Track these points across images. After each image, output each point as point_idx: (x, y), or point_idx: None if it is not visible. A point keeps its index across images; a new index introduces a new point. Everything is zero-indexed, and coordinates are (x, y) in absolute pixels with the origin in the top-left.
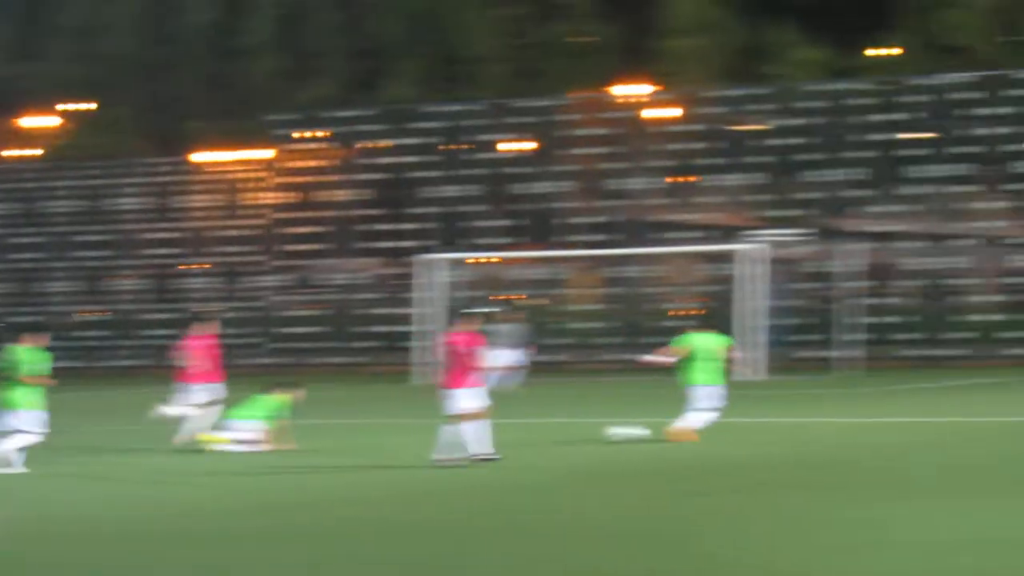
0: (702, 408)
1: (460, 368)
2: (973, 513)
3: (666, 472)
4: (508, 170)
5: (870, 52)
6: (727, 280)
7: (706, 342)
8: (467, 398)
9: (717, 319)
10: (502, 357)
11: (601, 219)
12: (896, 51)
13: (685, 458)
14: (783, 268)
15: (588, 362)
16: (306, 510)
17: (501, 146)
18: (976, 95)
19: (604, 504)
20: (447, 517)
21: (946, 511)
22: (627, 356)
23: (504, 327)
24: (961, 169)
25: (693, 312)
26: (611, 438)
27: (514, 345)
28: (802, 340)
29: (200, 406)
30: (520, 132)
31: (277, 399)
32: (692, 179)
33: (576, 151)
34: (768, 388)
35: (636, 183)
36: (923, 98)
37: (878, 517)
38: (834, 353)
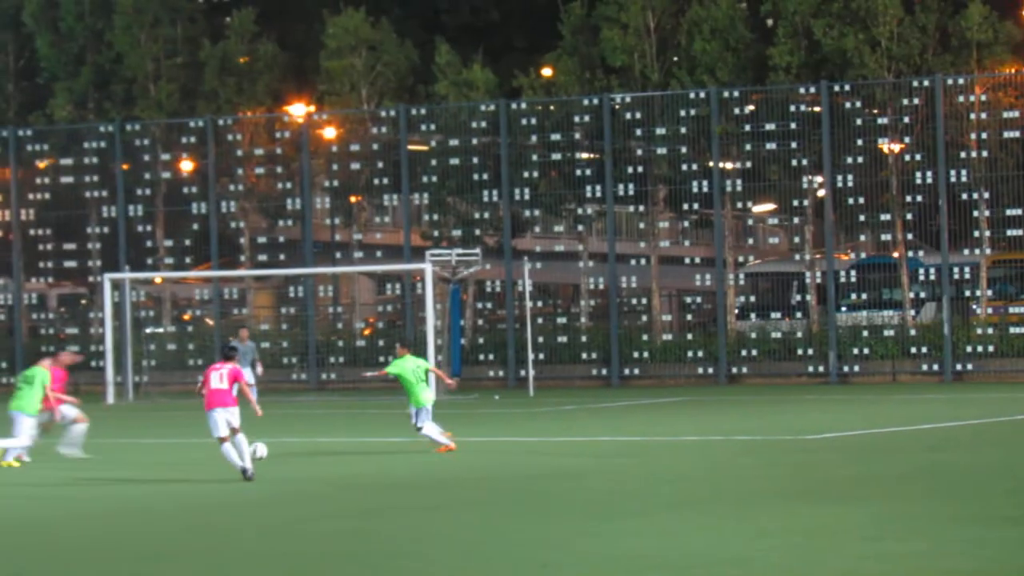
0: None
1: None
2: (644, 532)
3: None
4: (179, 189)
5: (534, 72)
6: (399, 300)
7: (413, 363)
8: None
9: (396, 338)
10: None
11: (274, 238)
12: (559, 71)
13: (367, 475)
14: (457, 287)
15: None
16: None
17: (171, 165)
18: (639, 114)
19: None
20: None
21: (615, 530)
22: (305, 375)
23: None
24: (632, 189)
25: (369, 332)
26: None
27: (245, 364)
28: (478, 360)
29: None
30: (188, 151)
31: None
32: (360, 198)
33: (245, 170)
34: (442, 407)
35: (307, 202)
36: (588, 118)
37: (555, 536)
38: (512, 373)
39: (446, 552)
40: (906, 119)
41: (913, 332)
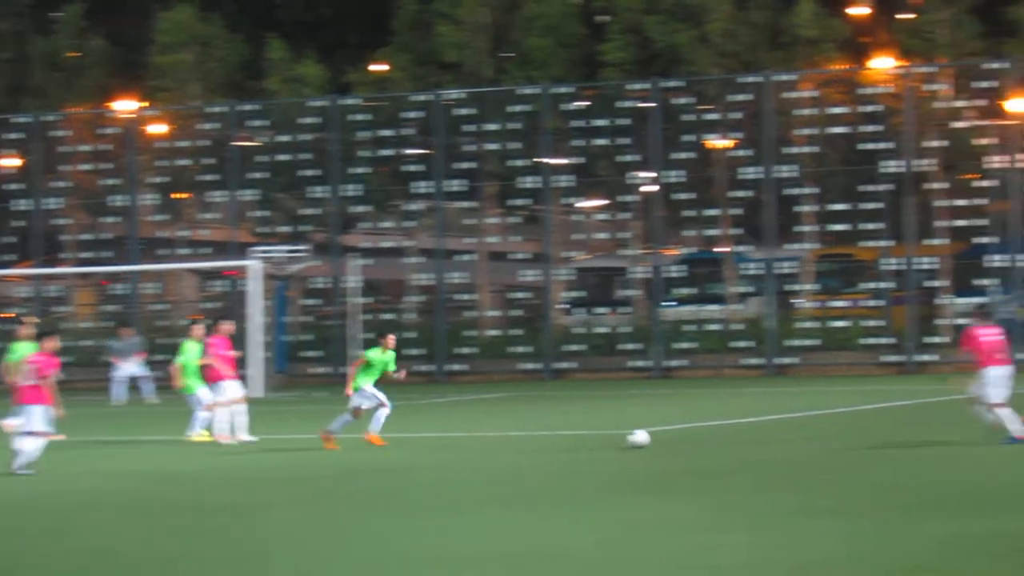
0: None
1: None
2: (469, 528)
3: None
4: (4, 186)
5: (367, 68)
6: (227, 296)
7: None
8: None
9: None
10: (125, 371)
11: (99, 235)
12: (392, 67)
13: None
14: (283, 284)
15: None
16: None
17: None
18: (472, 111)
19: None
20: None
21: (440, 527)
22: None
23: (120, 342)
24: (462, 184)
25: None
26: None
27: (132, 358)
28: (303, 356)
29: None
30: (12, 148)
31: None
32: (190, 195)
33: (71, 167)
34: (267, 405)
35: (132, 199)
36: (420, 114)
37: (372, 531)
38: (340, 369)
39: (286, 551)
40: (735, 115)
41: (737, 326)
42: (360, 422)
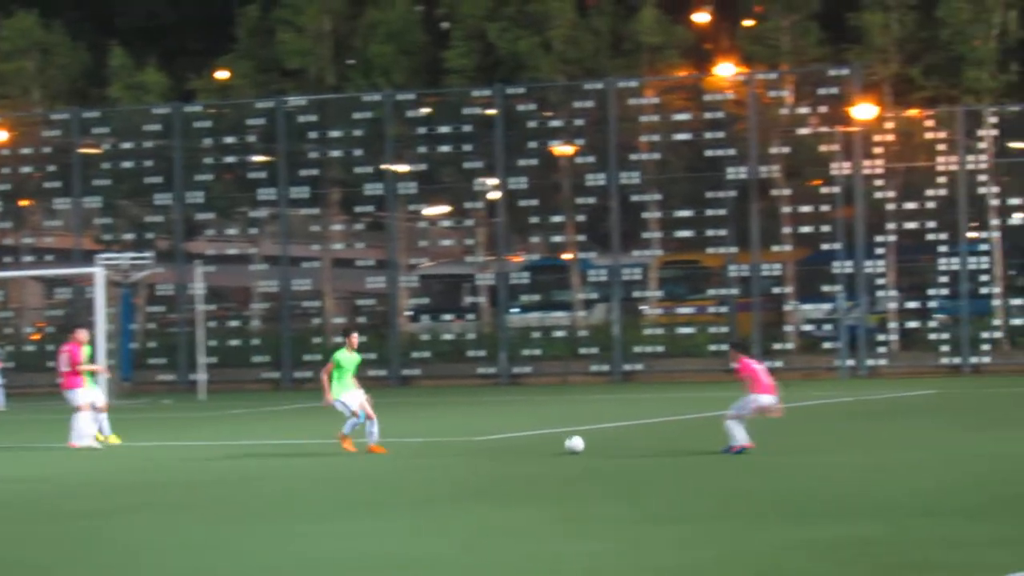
0: None
1: None
2: (321, 534)
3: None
4: None
5: (210, 75)
6: (72, 303)
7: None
8: None
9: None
10: None
11: None
12: (234, 74)
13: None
14: (128, 291)
15: None
16: None
17: None
18: (315, 117)
19: None
20: None
21: (291, 534)
22: None
23: None
24: (306, 191)
25: (38, 336)
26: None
27: None
28: (149, 364)
29: None
30: None
31: None
32: (34, 202)
33: None
34: (114, 412)
35: None
36: (263, 121)
37: (224, 539)
38: (185, 376)
39: (162, 558)
40: (579, 122)
41: (583, 333)
42: (335, 426)
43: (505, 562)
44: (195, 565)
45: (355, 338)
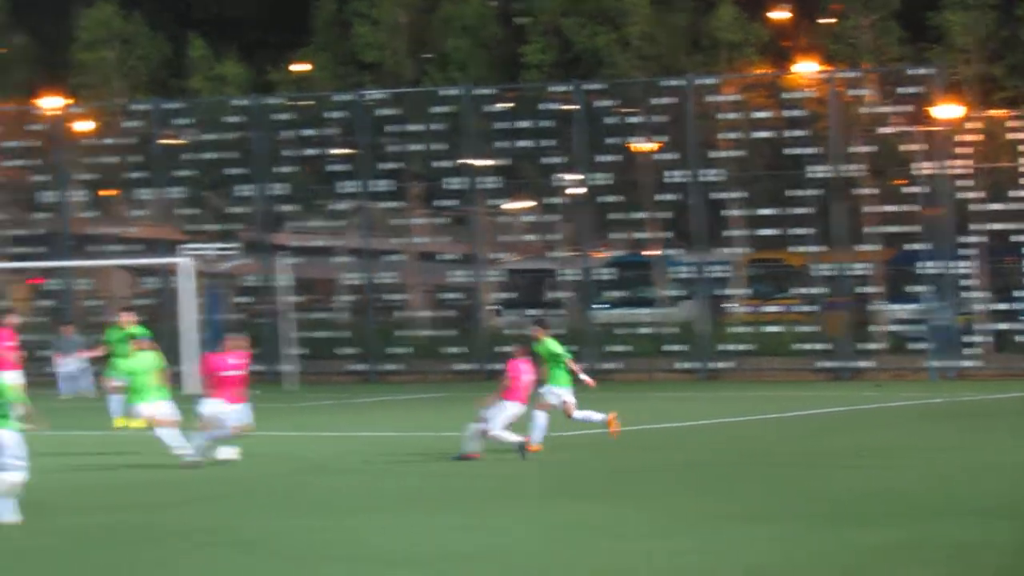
0: None
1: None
2: (406, 528)
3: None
4: None
5: (287, 68)
6: (159, 294)
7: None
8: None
9: (158, 333)
10: (69, 366)
11: (29, 232)
12: (312, 67)
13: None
14: (217, 282)
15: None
16: None
17: None
18: (396, 111)
19: None
20: None
21: (376, 526)
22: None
23: (62, 339)
24: (388, 185)
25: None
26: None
27: (74, 354)
28: None
29: None
30: None
31: None
32: (117, 192)
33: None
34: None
35: (61, 196)
36: (343, 114)
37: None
38: (272, 367)
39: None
40: (658, 118)
41: (669, 330)
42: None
43: (592, 559)
44: (322, 553)
45: (540, 330)
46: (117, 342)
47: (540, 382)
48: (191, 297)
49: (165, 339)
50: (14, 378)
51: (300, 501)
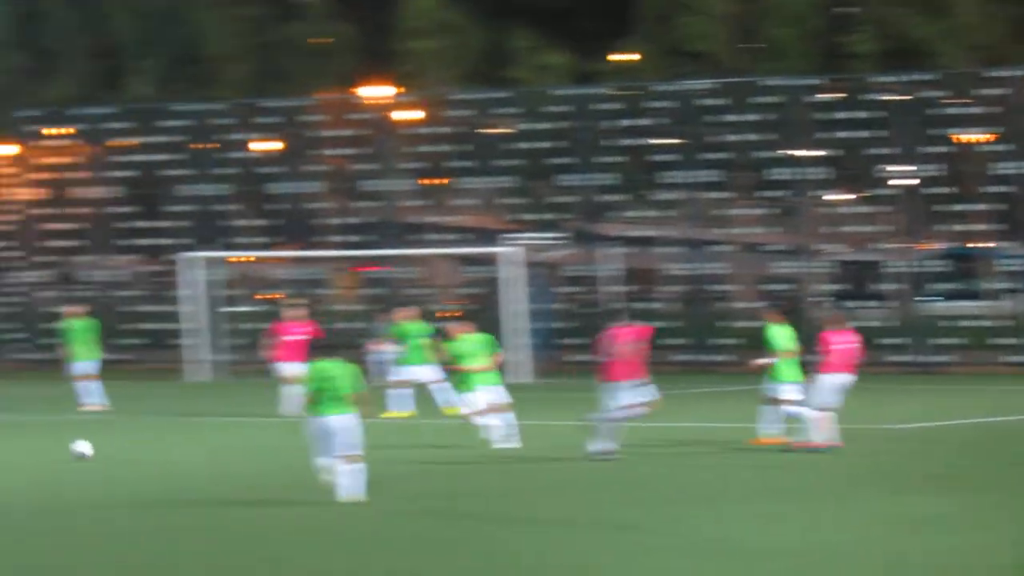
0: None
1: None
2: (735, 521)
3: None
4: (258, 170)
5: (611, 57)
6: (485, 283)
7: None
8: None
9: (482, 321)
10: (384, 354)
11: (355, 220)
12: (637, 57)
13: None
14: (541, 271)
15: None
16: None
17: (249, 146)
18: (721, 101)
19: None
20: None
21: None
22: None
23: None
24: (713, 175)
25: (457, 314)
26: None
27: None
28: (566, 344)
29: None
30: (267, 132)
31: None
32: (443, 181)
33: (324, 151)
34: (535, 391)
35: (387, 184)
36: (668, 104)
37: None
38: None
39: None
40: (992, 109)
41: (1000, 323)
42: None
43: (901, 554)
44: (647, 544)
45: (775, 314)
46: (402, 337)
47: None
48: (515, 286)
49: (488, 328)
50: (298, 369)
51: (661, 489)
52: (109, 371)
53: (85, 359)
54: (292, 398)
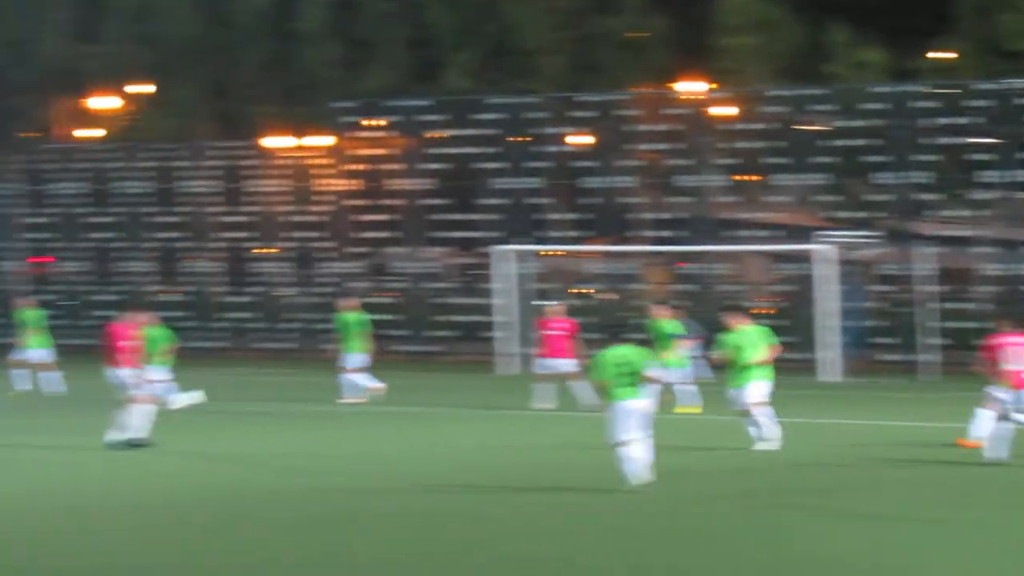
0: None
1: None
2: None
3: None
4: (572, 163)
5: (928, 55)
6: (796, 280)
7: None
8: None
9: (794, 319)
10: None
11: (667, 215)
12: (954, 55)
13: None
14: (855, 269)
15: None
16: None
17: (564, 139)
18: None
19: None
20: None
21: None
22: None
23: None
24: None
25: (768, 311)
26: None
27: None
28: (878, 343)
29: None
30: (581, 126)
31: None
32: (757, 178)
33: (638, 146)
34: (846, 390)
35: (700, 180)
36: (986, 102)
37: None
38: (912, 357)
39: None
40: None
41: None
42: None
43: None
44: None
45: None
46: (658, 336)
47: None
48: (828, 284)
49: (801, 327)
50: (569, 366)
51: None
52: (420, 363)
53: (356, 352)
54: (583, 391)
